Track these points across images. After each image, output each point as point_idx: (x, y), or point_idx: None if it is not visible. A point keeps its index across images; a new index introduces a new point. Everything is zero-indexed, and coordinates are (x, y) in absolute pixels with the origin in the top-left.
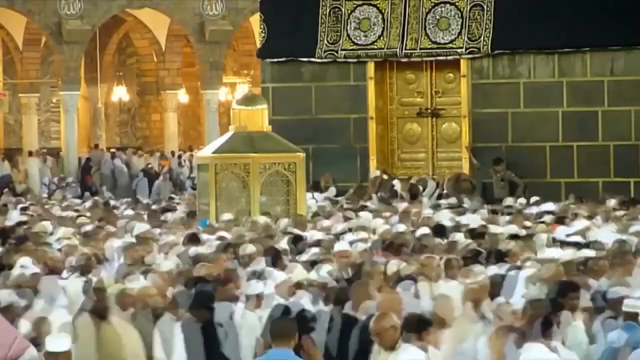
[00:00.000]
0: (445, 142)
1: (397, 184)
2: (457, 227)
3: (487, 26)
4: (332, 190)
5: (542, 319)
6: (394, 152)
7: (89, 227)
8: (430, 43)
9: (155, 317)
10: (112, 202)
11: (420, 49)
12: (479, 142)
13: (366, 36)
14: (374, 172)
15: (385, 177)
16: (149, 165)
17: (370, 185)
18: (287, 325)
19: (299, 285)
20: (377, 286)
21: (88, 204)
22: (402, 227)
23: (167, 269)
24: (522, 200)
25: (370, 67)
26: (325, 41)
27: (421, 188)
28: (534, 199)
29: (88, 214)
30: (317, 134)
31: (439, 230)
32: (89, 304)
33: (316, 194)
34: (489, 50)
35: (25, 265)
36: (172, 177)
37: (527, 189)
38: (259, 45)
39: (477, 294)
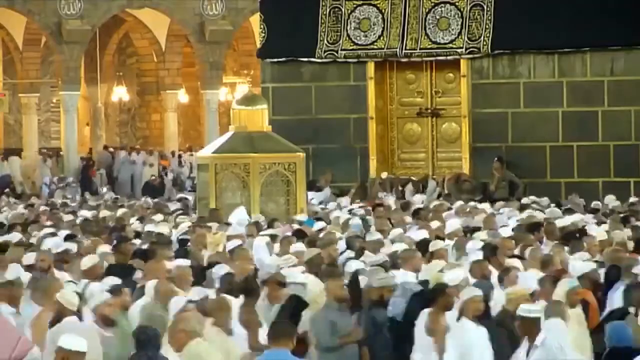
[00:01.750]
0: (445, 142)
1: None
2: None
3: (487, 26)
4: (326, 191)
5: None
6: (394, 152)
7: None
8: (430, 43)
9: None
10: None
11: (420, 49)
12: (479, 142)
13: (366, 36)
14: (383, 174)
15: (383, 177)
16: (152, 177)
17: (370, 186)
18: (286, 327)
19: None
20: None
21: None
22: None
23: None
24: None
25: (370, 67)
26: (325, 41)
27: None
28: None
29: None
30: (317, 134)
31: (534, 229)
32: None
33: (314, 194)
34: (489, 50)
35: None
36: (173, 177)
37: (527, 188)
38: (259, 45)
39: None
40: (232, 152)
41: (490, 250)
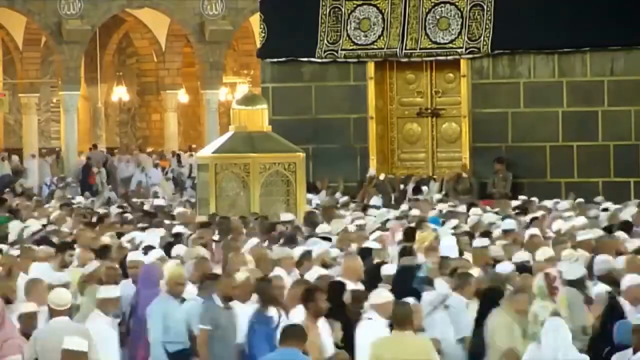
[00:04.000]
0: (445, 142)
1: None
2: None
3: (487, 26)
4: (322, 194)
5: None
6: (394, 152)
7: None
8: (430, 43)
9: None
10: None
11: (420, 49)
12: (479, 142)
13: (366, 36)
14: (370, 170)
15: (381, 178)
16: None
17: (368, 185)
18: (299, 330)
19: None
20: None
21: None
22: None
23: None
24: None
25: (370, 67)
26: (325, 41)
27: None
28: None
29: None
30: (317, 134)
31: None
32: None
33: (312, 195)
34: (489, 50)
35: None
36: (173, 177)
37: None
38: (259, 45)
39: None
40: (232, 152)
41: None
